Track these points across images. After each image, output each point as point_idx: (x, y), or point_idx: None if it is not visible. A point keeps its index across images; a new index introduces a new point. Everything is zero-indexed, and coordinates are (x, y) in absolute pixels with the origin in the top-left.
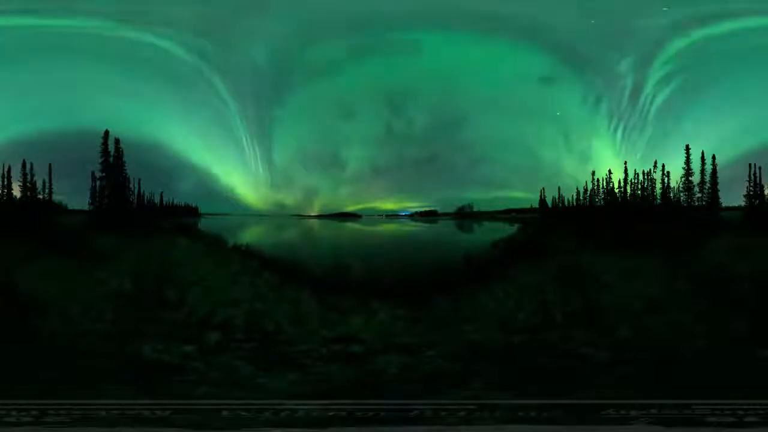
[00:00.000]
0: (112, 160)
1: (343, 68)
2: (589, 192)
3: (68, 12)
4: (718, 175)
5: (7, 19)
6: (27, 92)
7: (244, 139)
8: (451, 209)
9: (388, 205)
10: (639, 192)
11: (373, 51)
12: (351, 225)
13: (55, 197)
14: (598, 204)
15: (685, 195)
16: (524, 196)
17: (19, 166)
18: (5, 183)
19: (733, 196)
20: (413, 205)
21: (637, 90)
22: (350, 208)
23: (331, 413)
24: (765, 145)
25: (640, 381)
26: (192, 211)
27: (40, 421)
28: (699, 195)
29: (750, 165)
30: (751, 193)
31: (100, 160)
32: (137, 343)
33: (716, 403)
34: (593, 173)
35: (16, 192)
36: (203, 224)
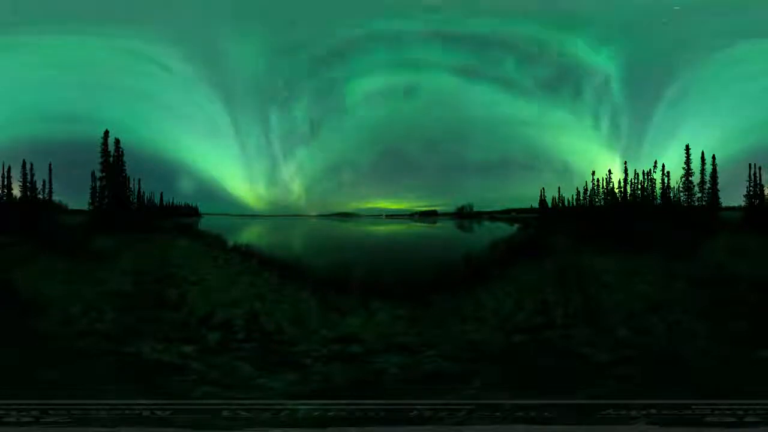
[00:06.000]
0: (112, 160)
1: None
2: (589, 192)
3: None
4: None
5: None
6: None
7: (243, 138)
8: (451, 209)
9: (389, 205)
10: (639, 192)
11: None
12: (351, 225)
13: (55, 197)
14: (598, 204)
15: (685, 195)
16: (524, 196)
17: (19, 166)
18: (5, 183)
19: (732, 196)
20: (413, 205)
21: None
22: (350, 208)
23: (331, 413)
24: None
25: (640, 381)
26: (192, 211)
27: (40, 421)
28: (699, 195)
29: (750, 165)
30: (751, 193)
31: (100, 160)
32: (137, 343)
33: (716, 403)
34: (593, 173)
35: (16, 192)
36: (203, 224)
